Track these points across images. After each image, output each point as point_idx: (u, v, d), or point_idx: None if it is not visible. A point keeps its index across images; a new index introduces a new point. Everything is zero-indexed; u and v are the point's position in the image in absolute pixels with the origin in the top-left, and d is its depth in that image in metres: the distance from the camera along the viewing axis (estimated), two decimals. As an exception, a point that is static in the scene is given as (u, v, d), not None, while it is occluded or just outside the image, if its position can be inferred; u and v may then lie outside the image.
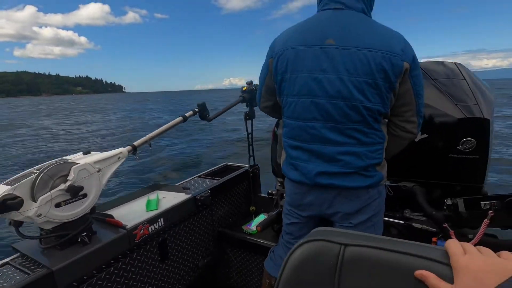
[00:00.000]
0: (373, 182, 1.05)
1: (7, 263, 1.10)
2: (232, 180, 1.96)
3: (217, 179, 1.92)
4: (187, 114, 1.63)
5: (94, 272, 1.15)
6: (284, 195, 1.29)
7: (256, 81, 1.58)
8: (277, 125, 1.62)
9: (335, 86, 0.98)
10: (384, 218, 1.25)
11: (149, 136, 1.46)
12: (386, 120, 1.09)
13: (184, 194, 1.64)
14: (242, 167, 2.14)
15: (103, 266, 1.18)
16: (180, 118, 1.59)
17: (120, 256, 1.25)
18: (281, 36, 1.13)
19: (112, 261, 1.22)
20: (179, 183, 1.91)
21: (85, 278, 1.12)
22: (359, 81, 0.96)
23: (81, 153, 1.24)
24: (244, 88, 1.81)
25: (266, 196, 2.06)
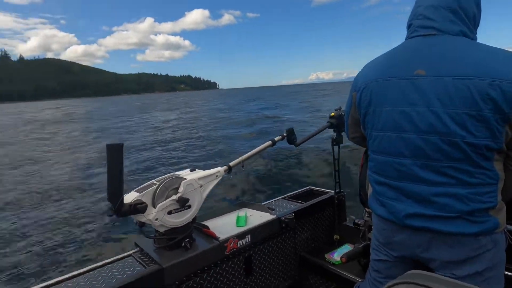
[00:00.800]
0: (484, 229, 0.89)
1: (130, 255, 1.37)
2: (317, 205, 1.95)
3: (301, 203, 1.94)
4: (275, 139, 1.74)
5: (192, 275, 1.32)
6: (373, 227, 1.23)
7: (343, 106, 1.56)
8: (367, 150, 1.56)
9: (427, 120, 0.89)
10: (507, 273, 1.04)
11: (242, 158, 1.63)
12: (502, 156, 0.92)
13: (269, 214, 1.72)
14: (327, 192, 2.11)
15: (199, 271, 1.34)
16: (269, 142, 1.71)
17: (212, 265, 1.40)
18: (364, 68, 1.10)
19: (205, 268, 1.37)
20: (264, 203, 2.01)
21: (184, 279, 1.29)
22: (458, 113, 0.85)
23: (188, 170, 1.47)
24: (332, 114, 1.82)
25: (352, 225, 1.96)
